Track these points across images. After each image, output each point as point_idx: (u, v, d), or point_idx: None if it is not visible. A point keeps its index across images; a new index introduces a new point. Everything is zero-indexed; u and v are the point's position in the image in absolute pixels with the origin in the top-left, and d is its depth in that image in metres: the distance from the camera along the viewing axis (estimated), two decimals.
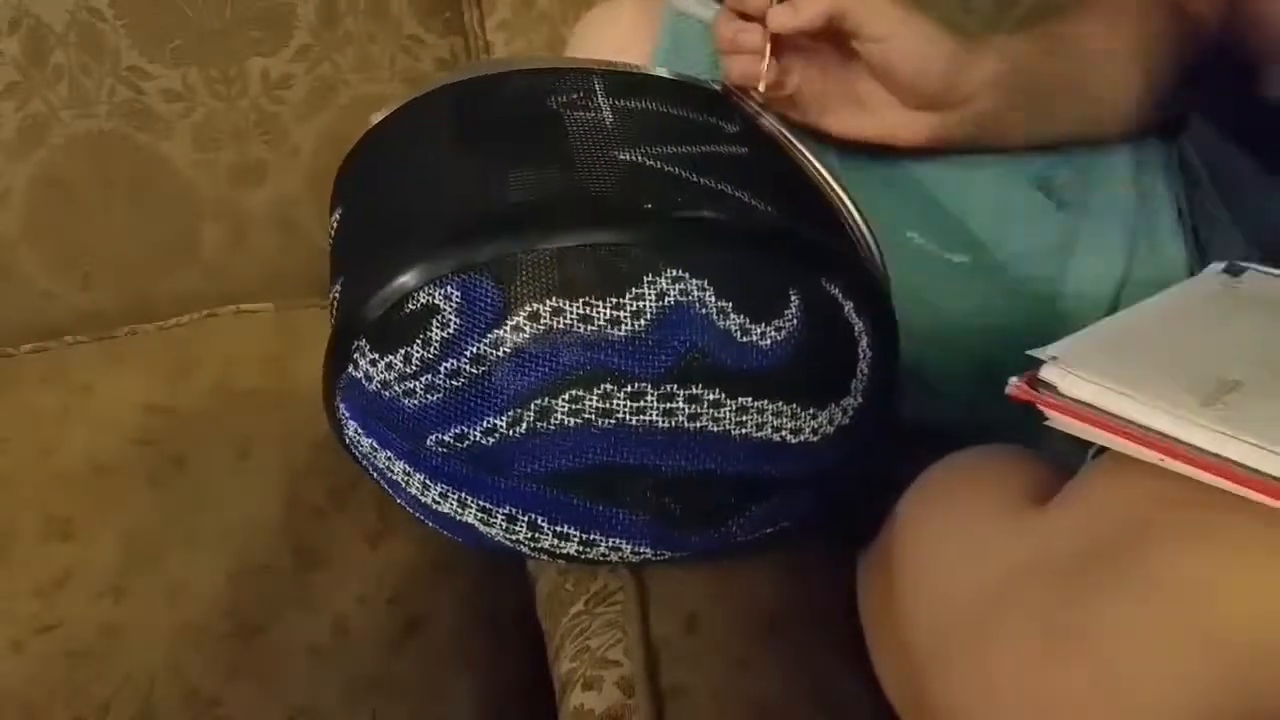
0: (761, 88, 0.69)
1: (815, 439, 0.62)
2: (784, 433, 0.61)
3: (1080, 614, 0.49)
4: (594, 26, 0.86)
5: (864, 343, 0.63)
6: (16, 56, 0.97)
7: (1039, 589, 0.52)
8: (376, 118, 0.70)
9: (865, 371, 0.63)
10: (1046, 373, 0.55)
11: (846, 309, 0.62)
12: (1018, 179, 0.76)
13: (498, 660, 0.81)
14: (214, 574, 0.83)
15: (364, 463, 0.66)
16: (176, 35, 0.99)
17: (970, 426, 0.69)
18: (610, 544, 0.63)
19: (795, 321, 0.60)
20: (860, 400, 0.63)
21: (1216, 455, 0.50)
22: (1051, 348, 0.55)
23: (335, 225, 0.69)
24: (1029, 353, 0.56)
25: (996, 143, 0.75)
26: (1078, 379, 0.53)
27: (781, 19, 0.69)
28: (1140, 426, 0.52)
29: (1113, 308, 0.74)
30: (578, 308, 0.57)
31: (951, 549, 0.59)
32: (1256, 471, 0.49)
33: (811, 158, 0.68)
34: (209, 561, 0.83)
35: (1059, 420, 0.54)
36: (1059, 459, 0.63)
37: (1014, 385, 0.55)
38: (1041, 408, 0.54)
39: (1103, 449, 0.58)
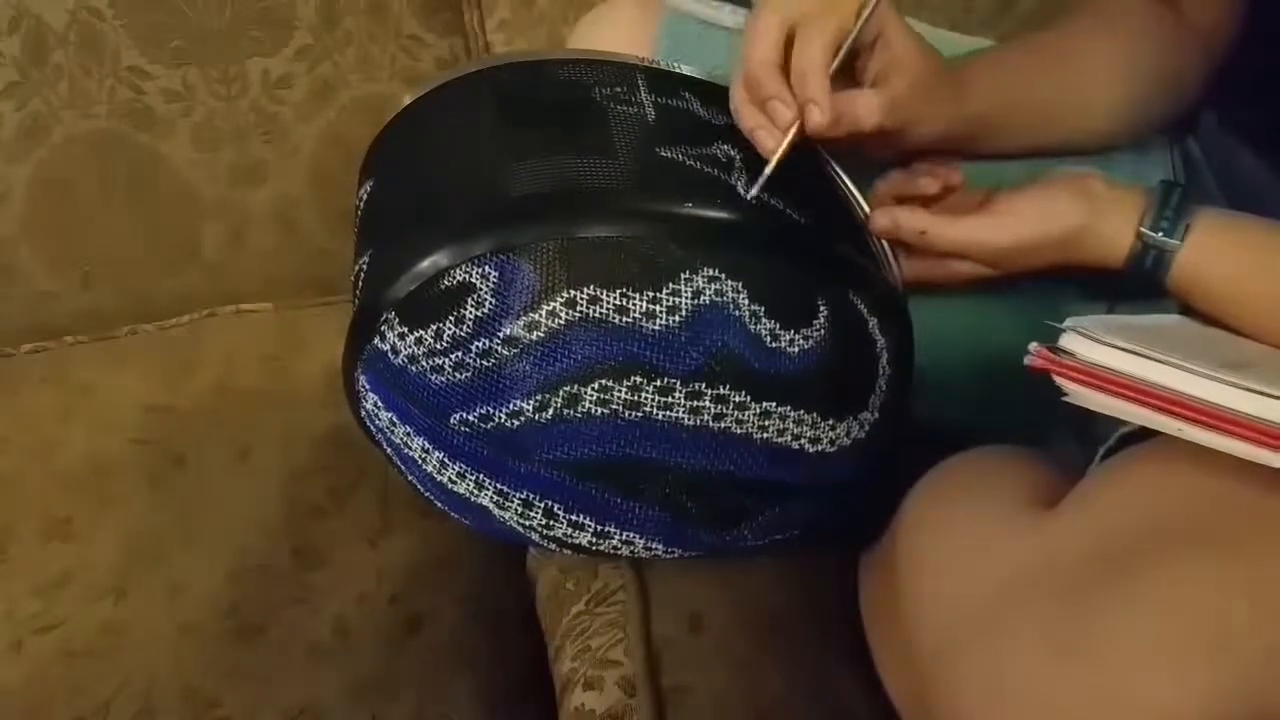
0: (769, 170, 0.62)
1: (832, 450, 0.62)
2: (803, 441, 0.61)
3: (1086, 618, 0.49)
4: (593, 27, 0.85)
5: (884, 359, 0.63)
6: (17, 56, 0.97)
7: (1044, 592, 0.52)
8: (410, 98, 0.69)
9: (884, 388, 0.63)
10: (1066, 340, 0.55)
11: (871, 325, 0.62)
12: (1017, 178, 0.76)
13: (498, 660, 0.81)
14: (214, 574, 0.83)
15: (379, 437, 0.66)
16: (176, 35, 0.99)
17: (973, 428, 0.69)
18: (624, 537, 0.64)
19: (823, 332, 0.60)
20: (877, 416, 0.64)
21: (1238, 412, 0.49)
22: (1070, 320, 0.55)
23: (364, 198, 0.69)
24: (1048, 323, 0.55)
25: (987, 149, 0.75)
26: (1097, 344, 0.53)
27: (818, 123, 0.62)
28: (1160, 388, 0.52)
29: (1111, 307, 0.74)
30: (615, 298, 0.57)
31: (955, 550, 0.59)
32: None
33: (841, 173, 0.68)
34: (209, 561, 0.84)
35: (1077, 391, 0.54)
36: (1062, 460, 0.64)
37: (1034, 353, 0.55)
38: (1060, 376, 0.54)
39: (1111, 451, 0.58)
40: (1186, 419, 0.51)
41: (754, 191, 0.61)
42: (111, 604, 0.81)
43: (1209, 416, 0.50)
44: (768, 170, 0.62)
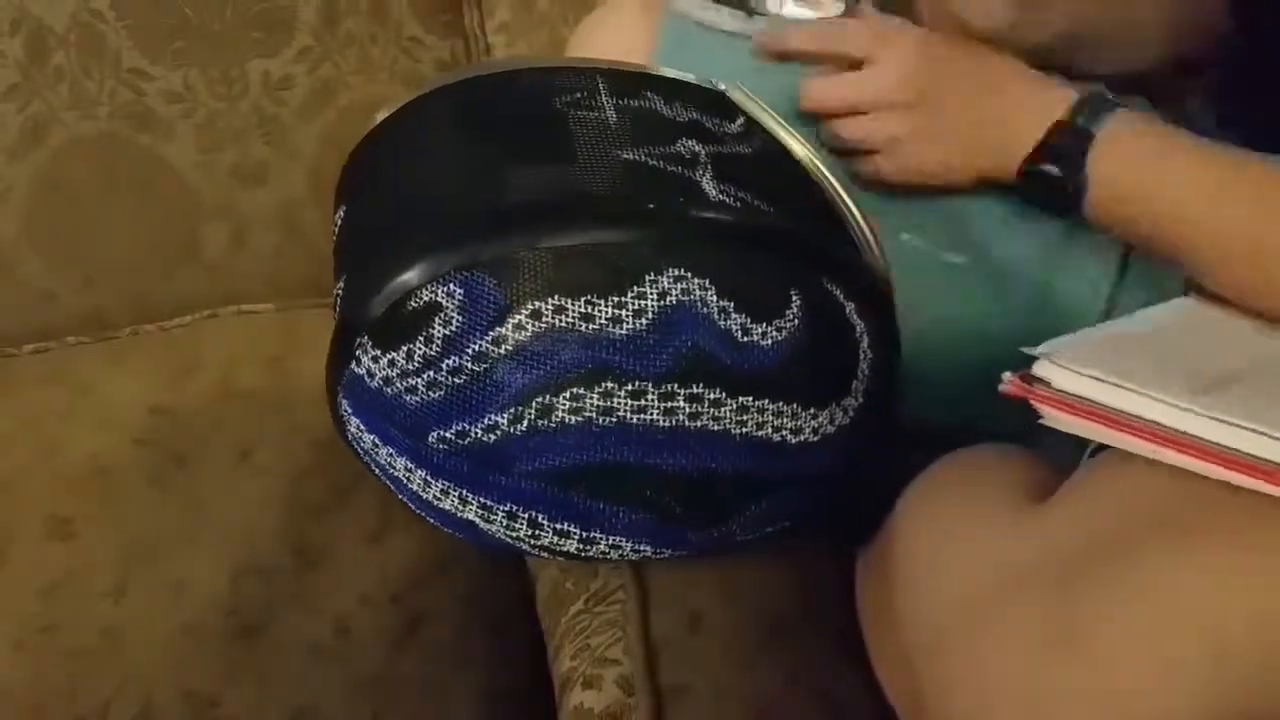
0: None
1: (815, 439, 0.62)
2: (784, 433, 0.61)
3: (1077, 614, 0.49)
4: (594, 29, 0.86)
5: (865, 344, 0.63)
6: (18, 58, 0.97)
7: (1036, 588, 0.52)
8: (380, 116, 0.70)
9: (866, 373, 0.63)
10: (1040, 369, 0.55)
11: (848, 310, 0.62)
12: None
13: (498, 659, 0.81)
14: (214, 574, 0.83)
15: (366, 459, 0.66)
16: (177, 36, 0.99)
17: (967, 426, 0.69)
18: (610, 542, 0.64)
19: (796, 322, 0.60)
20: (860, 401, 0.63)
21: (1209, 441, 0.50)
22: (1044, 346, 0.56)
23: (339, 223, 0.69)
24: (1023, 350, 0.56)
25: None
26: (1071, 373, 0.54)
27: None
28: (1133, 417, 0.52)
29: (1109, 308, 0.74)
30: (580, 306, 0.57)
31: (949, 547, 0.59)
32: (1250, 456, 0.49)
33: (814, 158, 0.68)
34: (209, 561, 0.84)
35: (1053, 416, 0.54)
36: (1055, 458, 0.64)
37: (1008, 382, 0.56)
38: (1035, 404, 0.55)
39: (1099, 449, 0.58)
40: (1160, 444, 0.51)
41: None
42: (111, 604, 0.81)
43: (1180, 445, 0.51)
44: None
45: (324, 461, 0.90)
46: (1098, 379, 0.53)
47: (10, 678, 0.77)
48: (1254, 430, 0.49)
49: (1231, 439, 0.50)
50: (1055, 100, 0.67)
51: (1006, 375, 0.56)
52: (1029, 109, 0.68)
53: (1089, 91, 0.68)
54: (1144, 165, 0.65)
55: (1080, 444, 0.59)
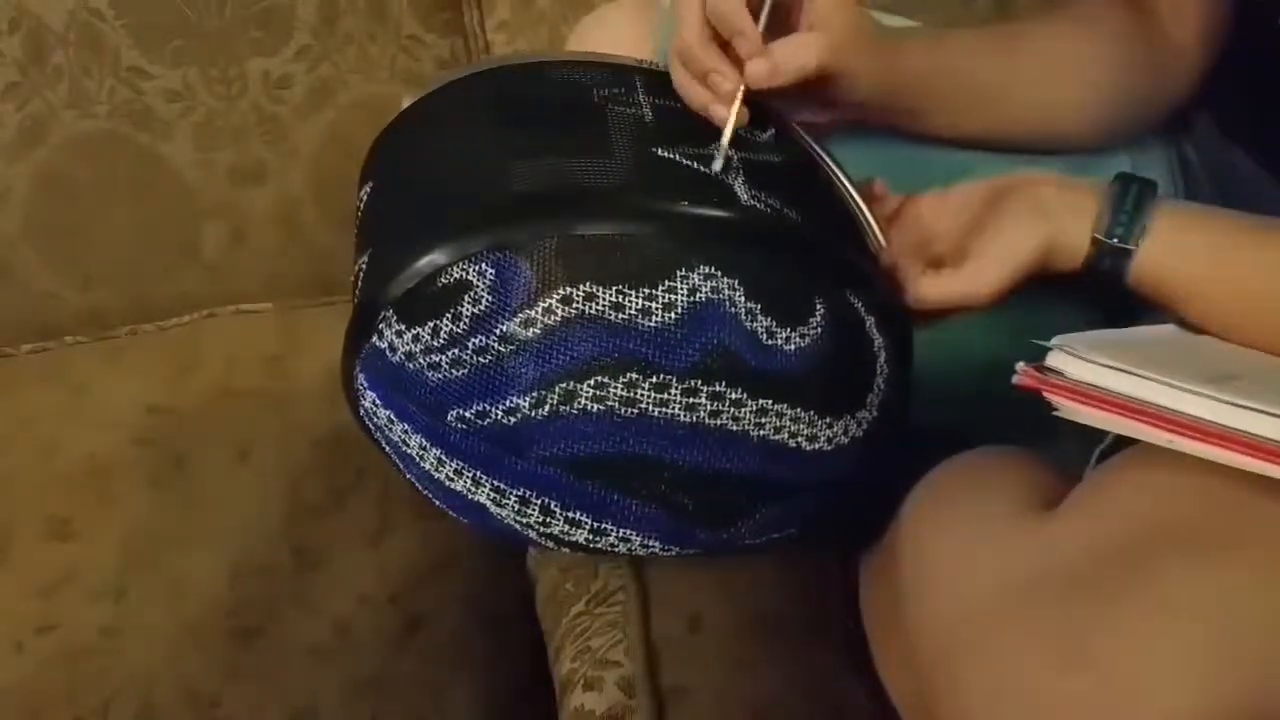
0: (725, 140, 0.62)
1: (829, 448, 0.63)
2: (800, 439, 0.61)
3: (1089, 622, 0.49)
4: (594, 27, 0.86)
5: (882, 358, 0.63)
6: (17, 57, 0.97)
7: (1047, 595, 0.52)
8: (409, 100, 0.70)
9: (881, 386, 0.64)
10: (1053, 359, 0.55)
11: (868, 324, 0.63)
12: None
13: (498, 660, 0.81)
14: (214, 574, 0.83)
15: (377, 434, 0.66)
16: (176, 35, 0.99)
17: (973, 429, 0.69)
18: (620, 534, 0.64)
19: (820, 330, 0.60)
20: (875, 415, 0.64)
21: (1227, 427, 0.50)
22: (1057, 338, 0.56)
23: (364, 199, 0.69)
24: (1035, 341, 0.56)
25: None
26: (1085, 362, 0.54)
27: (760, 75, 0.63)
28: (1150, 405, 0.52)
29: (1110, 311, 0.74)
30: (610, 295, 0.58)
31: (956, 552, 0.59)
32: (1271, 440, 0.49)
33: (838, 171, 0.68)
34: (209, 561, 0.84)
35: (1066, 407, 0.54)
36: (1062, 461, 0.64)
37: (1021, 372, 0.55)
38: (1049, 394, 0.54)
39: (1104, 456, 0.58)
40: (1176, 432, 0.51)
41: (717, 167, 0.62)
42: (111, 604, 0.81)
43: (1197, 431, 0.50)
44: (724, 140, 0.62)
45: (323, 462, 0.90)
46: (1113, 367, 0.53)
47: (10, 678, 0.78)
48: (1273, 414, 0.49)
49: (1252, 424, 0.49)
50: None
51: (1020, 365, 0.55)
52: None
53: (1113, 187, 0.64)
54: (1185, 277, 0.63)
55: (1086, 442, 0.59)
